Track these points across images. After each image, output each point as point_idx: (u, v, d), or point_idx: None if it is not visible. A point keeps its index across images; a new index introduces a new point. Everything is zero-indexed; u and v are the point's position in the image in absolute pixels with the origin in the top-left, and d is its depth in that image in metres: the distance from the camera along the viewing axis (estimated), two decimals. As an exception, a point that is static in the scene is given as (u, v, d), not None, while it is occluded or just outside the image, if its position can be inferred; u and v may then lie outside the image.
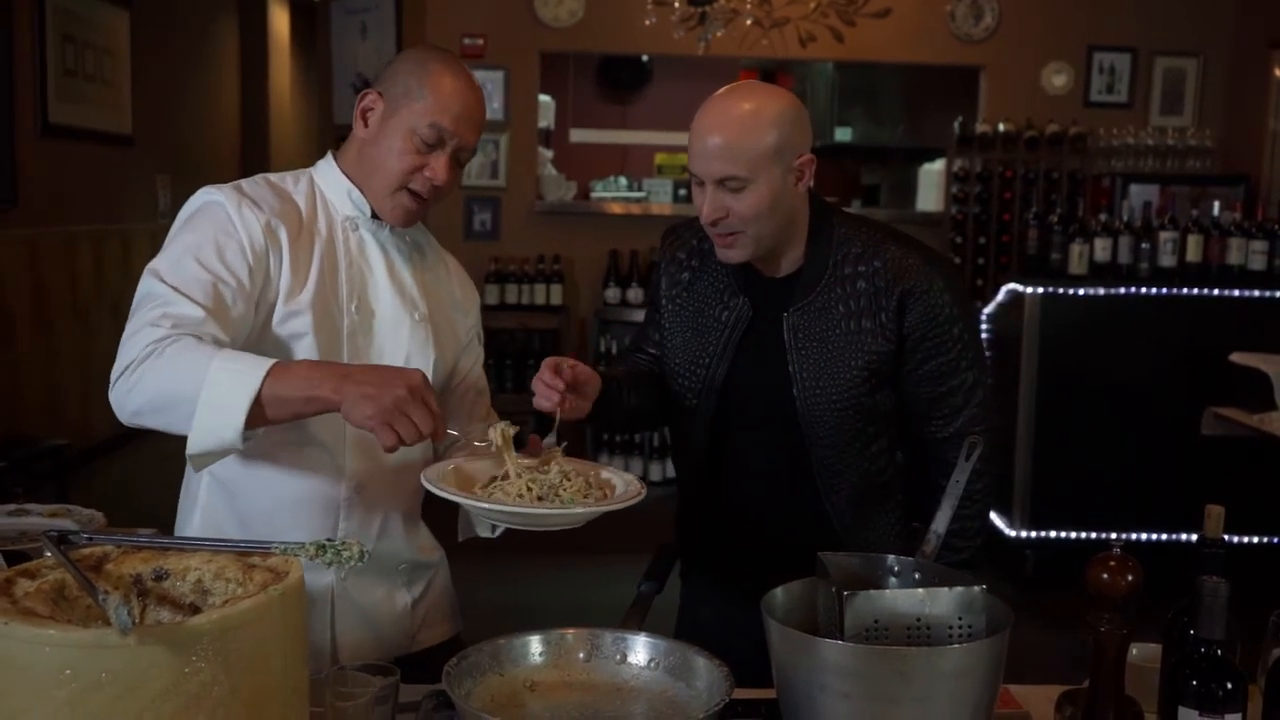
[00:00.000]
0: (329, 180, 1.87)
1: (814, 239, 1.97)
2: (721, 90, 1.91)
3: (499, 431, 1.75)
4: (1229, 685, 1.39)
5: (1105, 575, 1.44)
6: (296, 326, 1.77)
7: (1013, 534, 4.96)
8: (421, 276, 1.93)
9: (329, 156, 1.91)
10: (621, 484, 1.75)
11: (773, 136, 1.84)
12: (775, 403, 1.98)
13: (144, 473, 6.44)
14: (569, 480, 1.70)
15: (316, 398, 1.56)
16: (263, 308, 1.75)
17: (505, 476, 1.74)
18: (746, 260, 1.95)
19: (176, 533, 1.89)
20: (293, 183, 1.87)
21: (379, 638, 1.89)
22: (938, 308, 1.93)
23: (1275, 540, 4.94)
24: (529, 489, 1.67)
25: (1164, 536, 4.93)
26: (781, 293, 1.98)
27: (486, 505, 1.65)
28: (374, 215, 1.87)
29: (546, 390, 1.78)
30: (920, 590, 1.51)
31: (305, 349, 1.77)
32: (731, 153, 1.83)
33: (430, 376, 1.86)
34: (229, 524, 1.83)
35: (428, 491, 1.71)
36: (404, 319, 1.87)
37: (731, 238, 1.90)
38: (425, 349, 1.88)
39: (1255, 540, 4.92)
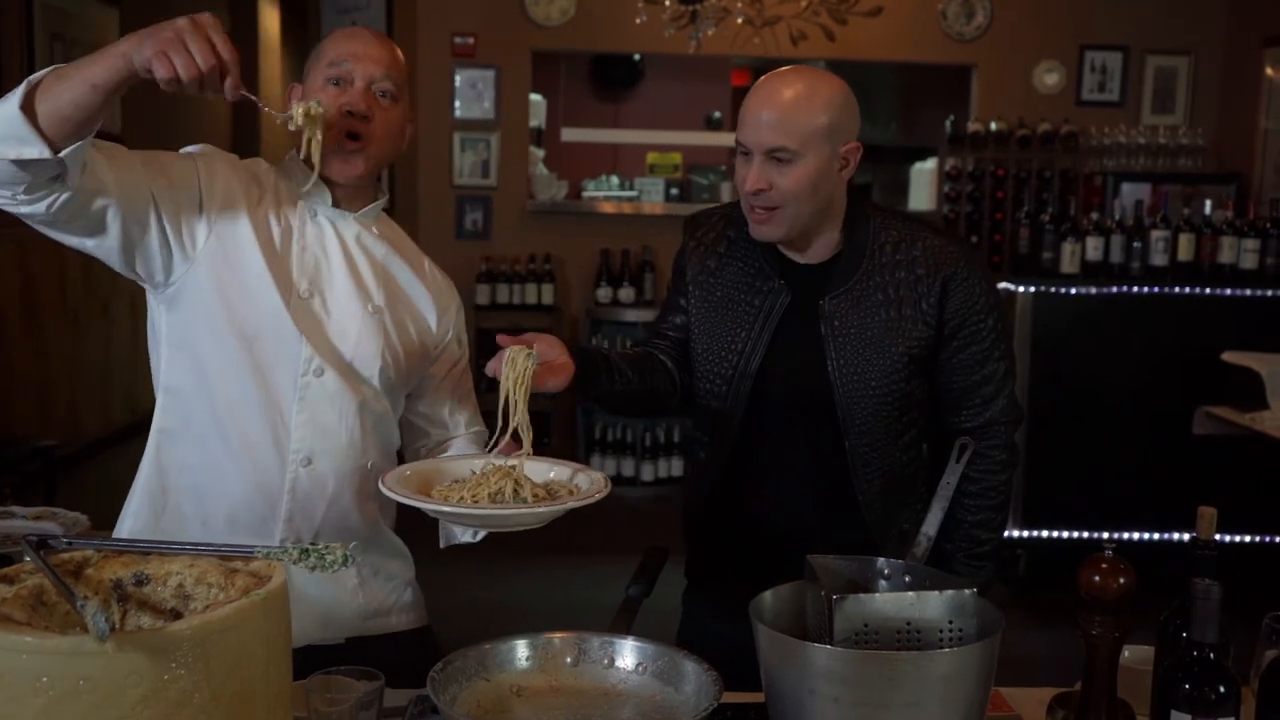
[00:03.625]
0: (292, 169, 1.92)
1: (850, 226, 1.99)
2: (778, 70, 1.94)
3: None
4: (1222, 689, 1.38)
5: (1097, 578, 1.42)
6: (252, 294, 1.81)
7: (1005, 534, 4.94)
8: (383, 271, 1.95)
9: (293, 151, 1.93)
10: (586, 481, 1.72)
11: (826, 116, 1.87)
12: (809, 391, 1.98)
13: (132, 474, 6.40)
14: (525, 482, 1.67)
15: (109, 54, 1.53)
16: (180, 223, 1.77)
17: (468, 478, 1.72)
18: (780, 239, 1.96)
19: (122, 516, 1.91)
20: (261, 167, 1.93)
21: (326, 618, 1.88)
22: (975, 296, 1.96)
23: (1268, 539, 4.94)
24: (489, 493, 1.64)
25: (1156, 536, 4.92)
26: (815, 280, 1.99)
27: (447, 508, 1.62)
28: (338, 204, 1.91)
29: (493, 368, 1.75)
30: (910, 594, 1.50)
31: (258, 320, 1.81)
32: (784, 125, 1.86)
33: (378, 368, 1.89)
34: (180, 500, 1.85)
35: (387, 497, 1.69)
36: (355, 308, 1.89)
37: (769, 213, 1.91)
38: (375, 339, 1.89)
39: (1248, 539, 4.92)
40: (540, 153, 7.08)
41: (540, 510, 1.61)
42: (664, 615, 2.15)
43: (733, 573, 2.06)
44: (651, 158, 8.02)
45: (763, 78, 1.93)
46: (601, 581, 2.90)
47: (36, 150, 1.52)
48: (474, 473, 1.72)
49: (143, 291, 1.87)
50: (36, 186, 1.58)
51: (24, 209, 1.61)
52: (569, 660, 1.57)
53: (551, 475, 1.74)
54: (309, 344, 1.82)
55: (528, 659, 1.56)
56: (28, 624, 1.21)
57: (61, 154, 1.54)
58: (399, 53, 1.93)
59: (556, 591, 4.62)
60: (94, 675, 1.14)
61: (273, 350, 1.81)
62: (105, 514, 2.58)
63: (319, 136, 1.77)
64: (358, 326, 1.88)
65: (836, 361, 1.95)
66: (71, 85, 1.53)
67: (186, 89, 1.53)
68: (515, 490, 1.64)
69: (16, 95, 1.52)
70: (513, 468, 1.66)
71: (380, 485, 1.67)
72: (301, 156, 1.81)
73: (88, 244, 1.73)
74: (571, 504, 1.62)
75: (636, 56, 8.46)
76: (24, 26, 5.98)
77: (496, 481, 1.64)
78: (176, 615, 1.34)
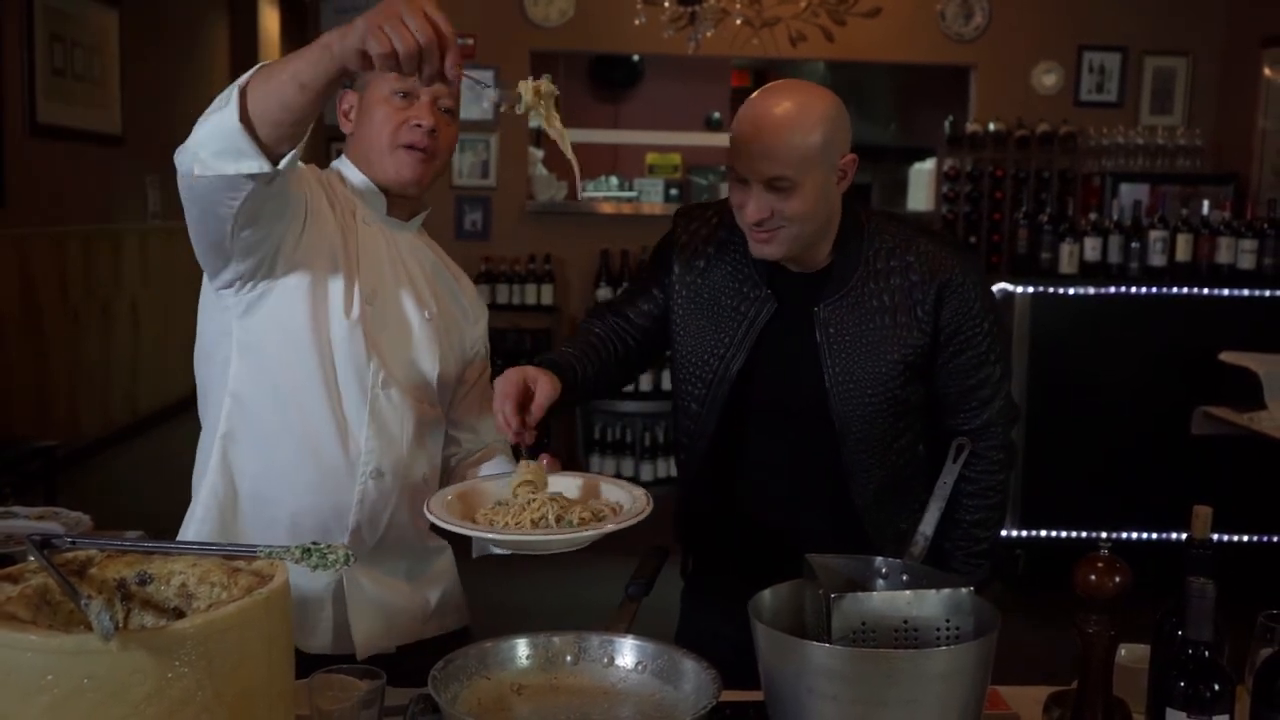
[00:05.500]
0: (348, 176, 1.93)
1: (844, 234, 1.97)
2: (764, 89, 1.90)
3: (531, 88, 1.60)
4: (1216, 686, 1.39)
5: (1093, 576, 1.43)
6: (330, 305, 1.81)
7: (1004, 533, 4.95)
8: (432, 280, 1.98)
9: (343, 157, 1.95)
10: (628, 499, 1.72)
11: (818, 136, 1.82)
12: (804, 397, 1.97)
13: (133, 474, 6.43)
14: (572, 504, 1.67)
15: (314, 49, 1.48)
16: (294, 225, 1.77)
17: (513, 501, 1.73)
18: (781, 257, 1.94)
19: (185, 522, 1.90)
20: (319, 174, 1.92)
21: (390, 625, 1.91)
22: (970, 301, 1.95)
23: (1265, 539, 4.95)
24: (531, 518, 1.64)
25: (1154, 535, 4.94)
26: (810, 287, 1.97)
27: (492, 535, 1.63)
28: (390, 212, 1.92)
29: (505, 428, 1.75)
30: (907, 592, 1.51)
31: (333, 331, 1.81)
32: (780, 153, 1.81)
33: (436, 372, 1.92)
34: (246, 505, 1.85)
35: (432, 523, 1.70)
36: (415, 316, 1.91)
37: (772, 234, 1.88)
38: (433, 347, 1.92)
39: (1245, 539, 4.93)
40: (539, 153, 7.09)
41: (585, 534, 1.60)
42: (663, 613, 2.16)
43: (730, 572, 2.07)
44: (651, 158, 8.03)
45: (751, 98, 1.88)
46: (601, 580, 2.89)
47: (256, 164, 1.51)
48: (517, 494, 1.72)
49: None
50: (254, 194, 1.57)
51: (236, 234, 1.62)
52: (569, 659, 1.57)
53: (595, 493, 1.76)
54: (376, 357, 1.84)
55: (528, 657, 1.57)
56: (32, 623, 1.22)
57: (280, 165, 1.53)
58: None
59: (556, 590, 4.63)
60: (98, 674, 1.15)
61: (344, 361, 1.82)
62: (106, 514, 2.59)
63: (556, 116, 1.63)
64: (416, 336, 1.90)
65: (832, 369, 1.94)
66: (279, 86, 1.49)
67: (404, 67, 1.44)
68: (559, 515, 1.64)
69: (233, 104, 1.49)
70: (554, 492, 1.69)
71: (426, 512, 1.68)
72: (549, 132, 1.67)
73: (255, 242, 1.70)
74: (613, 527, 1.61)
75: (636, 57, 8.47)
76: (24, 28, 6.00)
77: (539, 508, 1.65)
78: (179, 614, 1.35)
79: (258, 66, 1.53)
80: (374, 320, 1.85)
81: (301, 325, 1.80)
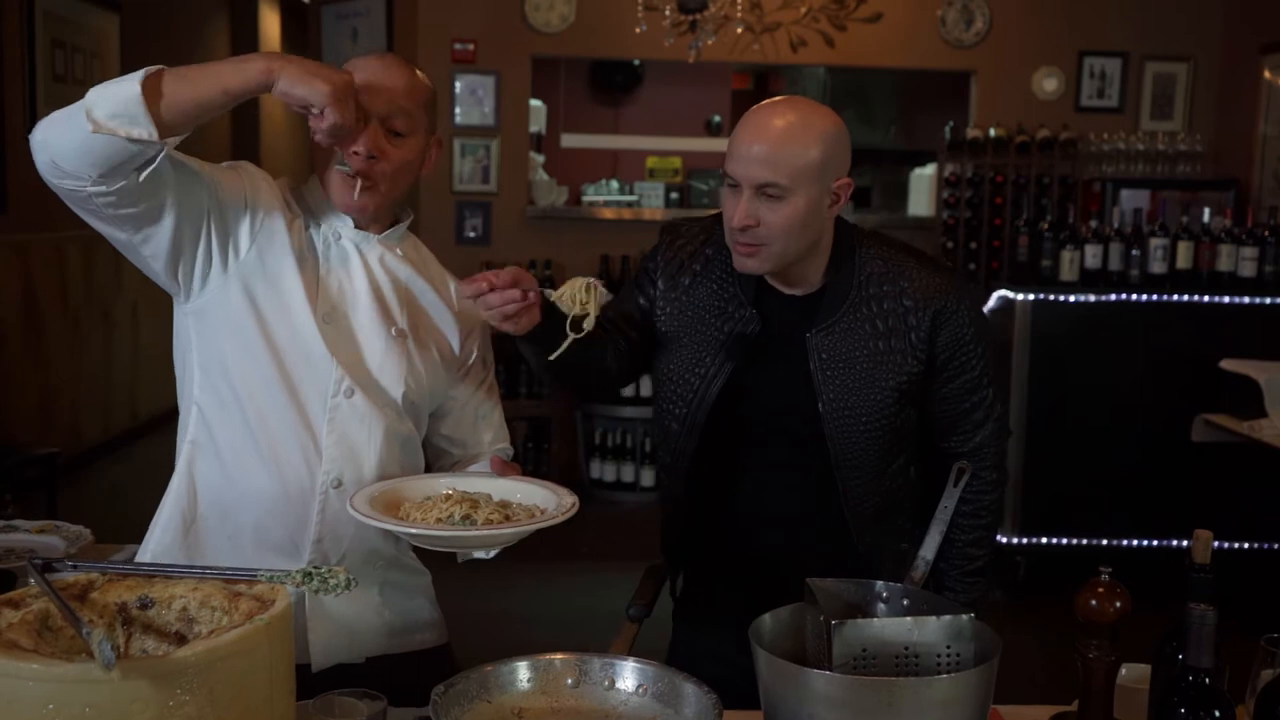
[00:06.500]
0: (313, 195, 1.92)
1: (837, 258, 1.96)
2: (770, 101, 1.90)
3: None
4: (1217, 713, 1.39)
5: (1094, 602, 1.44)
6: (287, 312, 1.82)
7: (1004, 540, 4.96)
8: (407, 292, 1.95)
9: (314, 176, 1.94)
10: (554, 502, 1.74)
11: (817, 152, 1.83)
12: (798, 423, 1.97)
13: (134, 480, 6.42)
14: (483, 506, 1.70)
15: (245, 67, 1.63)
16: (221, 237, 1.79)
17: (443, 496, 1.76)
18: (764, 273, 1.93)
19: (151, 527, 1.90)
20: (288, 188, 1.93)
21: (352, 637, 1.89)
22: (965, 327, 1.95)
23: (1265, 547, 4.95)
24: (438, 517, 1.68)
25: (1155, 543, 4.92)
26: (801, 311, 1.96)
27: (401, 529, 1.66)
28: (358, 226, 1.90)
29: (504, 305, 1.73)
30: (908, 619, 1.51)
31: (290, 338, 1.81)
32: (774, 160, 1.81)
33: (401, 390, 1.89)
34: (208, 513, 1.85)
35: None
36: (379, 331, 1.88)
37: (755, 248, 1.87)
38: (398, 362, 1.89)
39: (1245, 547, 4.93)
40: (540, 158, 7.09)
41: (483, 534, 1.64)
42: (661, 624, 2.17)
43: (721, 592, 2.07)
44: (651, 162, 8.02)
45: (754, 108, 1.89)
46: (601, 587, 2.90)
47: (147, 132, 1.56)
48: (453, 490, 1.75)
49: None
50: (120, 172, 1.59)
51: (93, 187, 1.61)
52: (570, 682, 1.57)
53: (518, 497, 1.78)
54: (339, 365, 1.83)
55: (529, 680, 1.56)
56: (34, 650, 1.22)
57: (165, 141, 1.58)
58: (418, 79, 1.89)
59: (556, 597, 4.63)
60: (99, 702, 1.15)
61: (303, 369, 1.82)
62: (108, 522, 2.59)
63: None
64: (381, 350, 1.88)
65: (827, 396, 1.93)
66: (202, 85, 1.60)
67: (338, 139, 1.74)
68: (466, 515, 1.67)
69: (136, 78, 1.56)
70: (473, 492, 1.72)
71: (349, 506, 1.70)
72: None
73: (135, 238, 1.72)
74: (520, 528, 1.65)
75: (636, 61, 8.46)
76: (25, 33, 6.00)
77: (449, 506, 1.68)
78: (181, 638, 1.35)
79: (157, 67, 1.59)
80: (337, 332, 1.84)
81: (255, 332, 1.80)
